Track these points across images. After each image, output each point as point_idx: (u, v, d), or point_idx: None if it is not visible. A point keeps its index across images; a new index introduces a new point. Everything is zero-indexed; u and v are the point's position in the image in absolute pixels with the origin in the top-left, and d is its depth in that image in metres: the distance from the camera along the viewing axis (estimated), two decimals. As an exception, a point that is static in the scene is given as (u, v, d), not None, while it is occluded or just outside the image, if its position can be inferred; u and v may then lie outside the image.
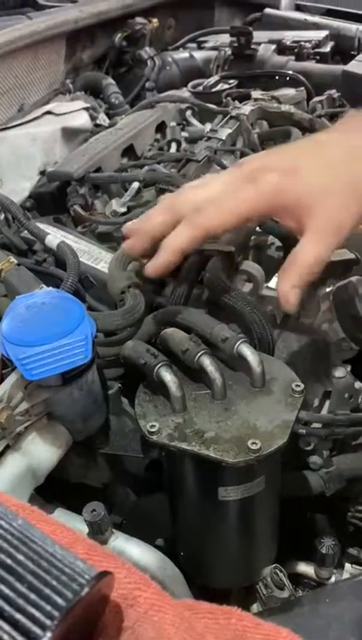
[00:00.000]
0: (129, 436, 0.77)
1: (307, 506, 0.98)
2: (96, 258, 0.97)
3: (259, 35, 1.78)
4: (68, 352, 0.63)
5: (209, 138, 1.14)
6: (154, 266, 0.72)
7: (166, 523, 0.80)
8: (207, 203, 0.69)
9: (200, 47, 1.76)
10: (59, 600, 0.33)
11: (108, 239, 1.02)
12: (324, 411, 0.92)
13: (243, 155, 1.14)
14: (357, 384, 0.95)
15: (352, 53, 1.81)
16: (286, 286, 0.68)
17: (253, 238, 1.05)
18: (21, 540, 0.36)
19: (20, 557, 0.35)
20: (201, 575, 0.79)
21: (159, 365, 0.68)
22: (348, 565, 0.94)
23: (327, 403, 0.94)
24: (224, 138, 1.14)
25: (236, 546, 0.76)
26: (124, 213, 1.05)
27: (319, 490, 0.93)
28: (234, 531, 0.74)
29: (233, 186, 0.69)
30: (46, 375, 0.62)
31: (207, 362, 0.68)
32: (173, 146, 1.15)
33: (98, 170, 1.06)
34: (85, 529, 0.70)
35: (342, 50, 1.85)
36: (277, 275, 1.00)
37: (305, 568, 0.88)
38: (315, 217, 0.66)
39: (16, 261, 0.83)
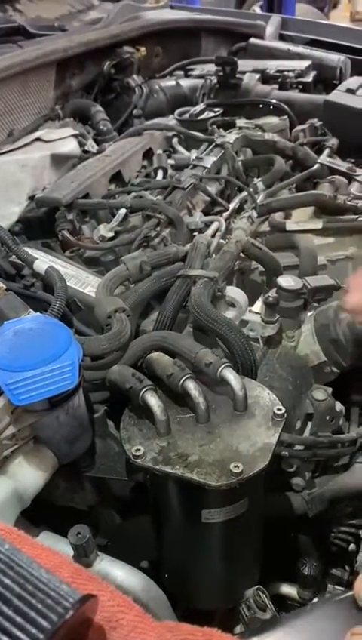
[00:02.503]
0: (114, 459, 0.79)
1: (290, 526, 0.99)
2: (83, 282, 0.98)
3: (244, 64, 1.84)
4: (55, 378, 0.65)
5: (194, 166, 1.18)
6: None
7: (150, 545, 0.81)
8: None
9: (186, 75, 1.81)
10: (44, 623, 0.34)
11: (96, 263, 1.04)
12: (307, 433, 0.94)
13: (227, 183, 1.18)
14: (338, 406, 0.97)
15: (334, 82, 1.87)
16: None
17: (237, 262, 1.08)
18: (7, 564, 0.38)
19: (7, 581, 0.36)
20: (185, 596, 0.80)
21: (144, 390, 0.70)
22: (330, 586, 0.96)
23: (309, 425, 0.96)
24: (209, 166, 1.18)
25: (219, 567, 0.77)
26: (111, 238, 1.08)
27: (302, 511, 0.95)
28: (217, 553, 0.75)
29: None
30: (33, 400, 0.63)
31: (191, 387, 0.70)
32: (160, 173, 1.18)
33: (86, 196, 1.09)
34: (71, 551, 0.71)
35: (325, 79, 1.91)
36: (260, 298, 1.03)
37: (288, 590, 0.89)
38: None
39: (4, 286, 0.84)
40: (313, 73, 1.82)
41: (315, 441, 0.91)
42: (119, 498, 0.83)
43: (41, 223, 1.11)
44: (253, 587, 0.78)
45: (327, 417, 0.93)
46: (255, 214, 1.11)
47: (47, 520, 0.79)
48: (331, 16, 9.39)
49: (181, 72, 1.85)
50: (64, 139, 1.23)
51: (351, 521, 1.05)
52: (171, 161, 1.22)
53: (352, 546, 1.08)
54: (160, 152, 1.25)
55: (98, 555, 0.72)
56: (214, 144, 1.25)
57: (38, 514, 0.77)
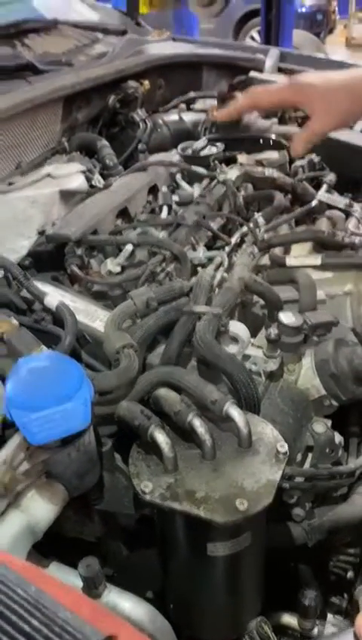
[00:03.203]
0: (121, 492, 0.81)
1: (291, 556, 1.02)
2: (91, 316, 1.02)
3: (244, 98, 1.90)
4: (69, 417, 0.68)
5: (198, 203, 1.22)
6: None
7: (156, 576, 0.83)
8: None
9: (189, 109, 1.86)
10: (72, 663, 0.37)
11: (103, 297, 1.08)
12: (307, 465, 0.97)
13: (229, 220, 1.22)
14: (337, 438, 1.01)
15: (332, 115, 1.93)
16: None
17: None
18: (35, 606, 0.41)
19: (35, 623, 0.39)
20: (190, 627, 0.82)
21: (153, 427, 0.73)
22: (330, 616, 0.98)
23: (310, 457, 0.99)
24: (212, 203, 1.22)
25: (223, 598, 0.80)
26: (118, 273, 1.12)
27: (302, 541, 0.98)
28: (221, 585, 0.78)
29: None
30: (49, 440, 0.66)
31: (198, 425, 0.73)
32: (165, 209, 1.22)
33: (94, 232, 1.13)
34: (80, 583, 0.73)
35: (323, 112, 1.97)
36: (262, 331, 1.07)
37: (289, 619, 0.92)
38: None
39: (17, 323, 0.88)
40: (311, 107, 1.88)
41: (315, 473, 0.94)
42: (126, 530, 0.85)
43: (51, 257, 1.15)
44: (256, 618, 0.80)
45: (327, 450, 0.97)
46: (256, 250, 1.15)
47: (55, 550, 0.82)
48: (327, 41, 9.61)
49: (183, 105, 1.90)
50: (72, 175, 1.27)
51: (349, 550, 1.08)
52: (175, 198, 1.26)
53: (350, 574, 1.10)
54: (165, 189, 1.29)
55: (106, 587, 0.75)
56: (216, 181, 1.30)
57: (47, 544, 0.79)
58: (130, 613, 0.73)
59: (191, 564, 0.76)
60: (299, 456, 0.96)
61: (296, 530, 0.97)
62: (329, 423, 0.99)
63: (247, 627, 0.80)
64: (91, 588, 0.73)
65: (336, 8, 9.54)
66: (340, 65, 2.44)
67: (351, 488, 1.01)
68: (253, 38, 8.58)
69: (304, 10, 8.78)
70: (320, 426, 0.96)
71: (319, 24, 9.08)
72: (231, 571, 0.76)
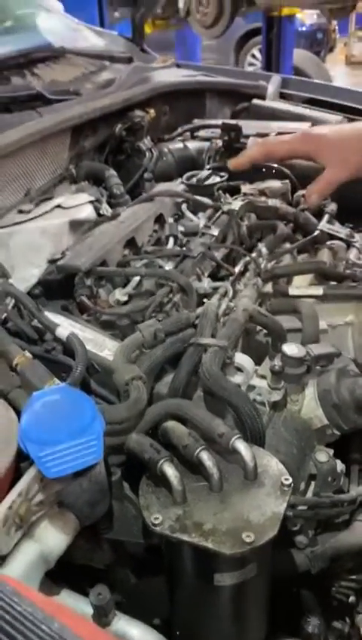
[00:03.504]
0: (130, 521, 0.84)
1: (294, 582, 1.04)
2: (100, 346, 1.05)
3: (247, 125, 1.94)
4: (82, 451, 0.71)
5: (203, 234, 1.26)
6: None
7: (163, 604, 0.85)
8: None
9: (193, 137, 1.91)
10: None
11: (112, 327, 1.11)
12: (310, 493, 1.00)
13: (232, 251, 1.26)
14: (339, 466, 1.03)
15: (332, 142, 1.98)
16: None
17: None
18: (59, 643, 0.43)
19: (60, 660, 0.42)
20: (196, 654, 0.84)
21: (162, 461, 0.76)
22: (332, 641, 1.00)
23: (313, 484, 1.02)
24: (216, 234, 1.26)
25: (229, 627, 0.82)
26: (125, 302, 1.15)
27: (305, 567, 1.00)
28: (228, 613, 0.81)
29: None
30: (63, 474, 0.69)
31: (206, 458, 0.76)
32: (171, 240, 1.26)
33: (103, 262, 1.17)
34: (90, 610, 0.76)
35: (324, 139, 2.02)
36: (266, 360, 1.10)
37: (293, 646, 0.94)
38: None
39: (30, 355, 0.91)
40: (312, 135, 1.93)
41: (318, 502, 0.96)
42: (134, 558, 0.88)
43: (60, 286, 1.18)
44: (261, 647, 0.83)
45: (329, 478, 0.99)
46: (260, 282, 1.19)
47: (65, 576, 0.84)
48: (327, 59, 9.76)
49: (188, 133, 1.95)
50: (81, 205, 1.31)
51: (352, 576, 1.10)
52: (181, 228, 1.30)
53: (352, 598, 1.12)
54: (171, 220, 1.33)
55: (116, 615, 0.77)
56: (221, 211, 1.34)
57: (57, 571, 0.82)
58: (139, 641, 0.76)
59: (198, 593, 0.79)
60: (302, 485, 0.99)
61: (299, 558, 0.99)
62: (331, 452, 1.01)
63: (252, 655, 0.82)
64: (102, 616, 0.75)
65: (336, 27, 9.68)
66: (341, 91, 2.51)
67: (352, 515, 1.04)
68: (254, 56, 8.72)
69: (304, 29, 8.92)
70: (323, 455, 0.99)
71: (319, 43, 9.22)
72: (236, 600, 0.79)
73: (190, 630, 0.84)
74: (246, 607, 0.81)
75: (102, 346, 1.05)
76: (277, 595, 0.98)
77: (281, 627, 0.99)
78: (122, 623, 0.77)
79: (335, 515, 1.00)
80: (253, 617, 0.83)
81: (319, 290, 1.17)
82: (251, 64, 8.83)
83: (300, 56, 7.13)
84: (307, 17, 8.71)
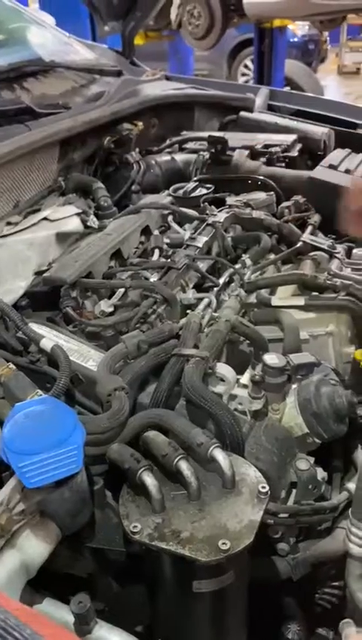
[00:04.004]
0: (112, 530, 0.85)
1: (277, 589, 1.05)
2: (85, 357, 1.07)
3: (234, 137, 1.98)
4: (62, 462, 0.72)
5: (188, 246, 1.28)
6: None
7: (145, 611, 0.87)
8: None
9: (181, 149, 1.94)
10: None
11: (97, 338, 1.13)
12: (291, 501, 1.01)
13: (216, 263, 1.29)
14: (321, 474, 1.05)
15: (319, 153, 2.01)
16: None
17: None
18: (30, 649, 0.45)
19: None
20: (177, 661, 0.85)
21: (141, 470, 0.77)
22: (315, 647, 1.01)
23: (294, 492, 1.03)
24: (201, 245, 1.28)
25: (209, 632, 0.83)
26: (111, 313, 1.17)
27: (287, 574, 1.02)
28: (207, 619, 0.82)
29: None
30: (43, 484, 0.71)
31: (184, 467, 0.78)
32: (156, 252, 1.28)
33: (89, 274, 1.19)
34: (71, 618, 0.77)
35: (310, 150, 2.05)
36: (248, 370, 1.12)
37: (274, 652, 0.95)
38: None
39: (14, 367, 0.92)
40: (299, 146, 1.96)
41: (298, 510, 0.98)
42: (116, 566, 0.89)
43: (46, 297, 1.20)
44: (240, 653, 0.84)
45: (310, 486, 1.01)
46: (243, 293, 1.21)
47: (47, 584, 0.86)
48: (319, 69, 9.86)
49: (176, 145, 1.98)
50: (68, 217, 1.33)
51: (334, 583, 1.11)
52: (166, 240, 1.32)
53: (339, 605, 1.13)
54: (156, 232, 1.35)
55: (97, 623, 0.78)
56: (206, 223, 1.36)
57: (39, 579, 0.83)
58: (120, 649, 0.77)
59: (177, 600, 0.80)
60: (283, 493, 1.00)
61: (280, 564, 1.01)
62: (312, 460, 1.03)
63: (231, 661, 0.83)
64: (82, 624, 0.76)
65: (328, 38, 9.79)
66: (327, 102, 2.55)
67: (334, 522, 1.05)
68: (246, 67, 8.80)
69: (296, 40, 9.01)
70: (304, 463, 1.01)
71: (311, 53, 9.31)
72: (215, 607, 0.80)
73: (171, 637, 0.85)
74: (226, 613, 0.83)
75: (87, 357, 1.07)
76: (260, 601, 0.99)
77: (263, 633, 1.00)
78: (103, 631, 0.78)
79: (316, 523, 1.02)
80: (232, 623, 0.85)
81: (301, 301, 1.19)
82: (244, 74, 8.92)
83: (292, 66, 7.20)
84: (298, 28, 8.80)
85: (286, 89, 6.49)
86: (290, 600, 1.06)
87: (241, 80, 8.90)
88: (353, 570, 0.94)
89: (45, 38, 2.42)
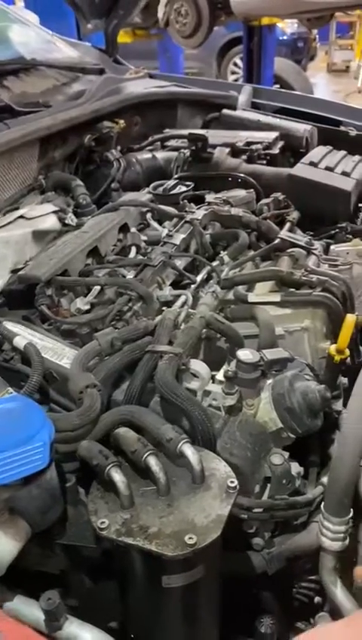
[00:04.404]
0: (84, 527, 0.85)
1: (252, 583, 1.06)
2: (59, 355, 1.07)
3: (216, 134, 1.98)
4: (28, 459, 0.72)
5: (165, 243, 1.29)
6: None
7: (118, 607, 0.87)
8: None
9: (163, 146, 1.94)
10: None
11: (72, 335, 1.13)
12: (266, 496, 1.02)
13: (194, 260, 1.29)
14: (297, 468, 1.05)
15: (301, 151, 2.02)
16: None
17: (204, 330, 1.17)
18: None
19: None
20: (150, 656, 0.86)
21: (110, 467, 0.77)
22: None
23: (269, 487, 1.04)
24: (178, 243, 1.28)
25: (180, 627, 0.84)
26: (87, 311, 1.17)
27: (262, 569, 1.02)
28: (178, 614, 0.82)
29: None
30: (9, 480, 0.71)
31: (153, 463, 0.78)
32: (133, 250, 1.28)
33: (65, 272, 1.19)
34: (42, 615, 0.77)
35: (292, 147, 2.06)
36: (225, 365, 1.12)
37: (248, 646, 0.95)
38: None
39: (-14, 365, 0.92)
40: (280, 144, 1.97)
41: (272, 504, 0.98)
42: (89, 562, 0.89)
43: (23, 296, 1.20)
44: (210, 647, 0.84)
45: (284, 481, 1.01)
46: (219, 289, 1.21)
47: (21, 582, 0.85)
48: (309, 67, 9.88)
49: (158, 142, 1.98)
50: (45, 215, 1.33)
51: (311, 577, 1.12)
52: (144, 237, 1.32)
53: (318, 599, 1.14)
54: (134, 230, 1.35)
55: (67, 619, 0.78)
56: (184, 220, 1.36)
57: (12, 577, 0.83)
58: (90, 644, 0.77)
59: (148, 596, 0.80)
60: (257, 488, 1.01)
61: (255, 559, 1.01)
62: (286, 454, 1.03)
63: (202, 655, 0.83)
64: (52, 620, 0.76)
65: (317, 36, 9.81)
66: (310, 100, 2.56)
67: (310, 516, 1.06)
68: (236, 65, 8.81)
69: (285, 38, 9.03)
70: (278, 458, 1.01)
71: (300, 51, 9.33)
72: (186, 602, 0.80)
73: (144, 632, 0.85)
74: (197, 608, 0.83)
75: (62, 355, 1.07)
76: (236, 596, 1.00)
77: (239, 627, 1.01)
78: (73, 627, 0.78)
79: (292, 517, 1.02)
80: (204, 618, 0.85)
81: (276, 297, 1.20)
82: (233, 72, 8.92)
83: (281, 64, 7.22)
84: (287, 26, 8.82)
85: (276, 87, 6.52)
86: (267, 594, 1.07)
87: (231, 78, 8.91)
88: (326, 563, 0.94)
89: (28, 36, 2.42)
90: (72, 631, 0.78)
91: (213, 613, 0.86)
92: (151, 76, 2.50)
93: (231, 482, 0.79)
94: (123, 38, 5.81)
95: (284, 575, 1.07)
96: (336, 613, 0.94)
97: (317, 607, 1.14)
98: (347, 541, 0.91)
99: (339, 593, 0.92)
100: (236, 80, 8.21)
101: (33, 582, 0.87)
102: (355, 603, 0.90)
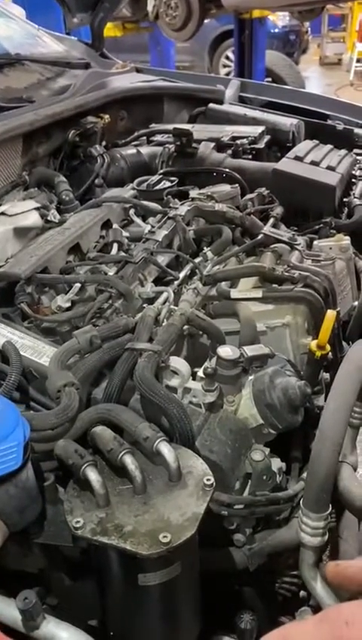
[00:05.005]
0: (62, 526, 0.85)
1: (234, 579, 1.06)
2: (39, 353, 1.06)
3: (201, 129, 1.97)
4: (2, 458, 0.72)
5: (147, 239, 1.28)
6: None
7: (98, 605, 0.87)
8: None
9: (149, 142, 1.93)
10: None
11: (53, 333, 1.12)
12: (247, 492, 1.02)
13: (178, 257, 1.28)
14: (278, 463, 1.06)
15: (288, 145, 2.02)
16: None
17: (186, 327, 1.17)
18: None
19: None
20: (130, 654, 0.86)
21: (85, 466, 0.77)
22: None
23: (249, 483, 1.04)
24: (160, 239, 1.28)
25: (159, 625, 0.84)
26: (68, 308, 1.16)
27: (243, 565, 1.02)
28: (156, 612, 0.82)
29: None
30: (-19, 481, 0.70)
31: (129, 461, 0.78)
32: (115, 246, 1.27)
33: (45, 270, 1.18)
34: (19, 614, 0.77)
35: (279, 141, 2.05)
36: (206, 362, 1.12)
37: (229, 642, 0.96)
38: None
39: None
40: (266, 138, 1.96)
41: (253, 500, 0.98)
42: (68, 561, 0.89)
43: (3, 293, 1.19)
44: (189, 643, 0.84)
45: (264, 477, 1.01)
46: (200, 286, 1.21)
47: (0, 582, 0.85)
48: (301, 60, 9.85)
49: (144, 137, 1.97)
50: (26, 212, 1.32)
51: (293, 572, 1.12)
52: (126, 234, 1.31)
53: (303, 593, 1.15)
54: (116, 226, 1.34)
55: (45, 618, 0.78)
56: (167, 217, 1.36)
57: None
58: (67, 643, 0.77)
59: (125, 594, 0.80)
60: (237, 484, 1.01)
61: (237, 555, 1.01)
62: (267, 450, 1.03)
63: (180, 652, 0.84)
64: (29, 620, 0.76)
65: (309, 29, 9.78)
66: (298, 94, 2.55)
67: (292, 512, 1.06)
68: (228, 58, 8.78)
69: (277, 30, 9.00)
70: (258, 455, 1.01)
71: (292, 44, 9.31)
72: (164, 599, 0.80)
73: (123, 630, 0.85)
74: (175, 605, 0.83)
75: (42, 353, 1.06)
76: (218, 592, 1.00)
77: (221, 623, 1.01)
78: (51, 626, 0.78)
79: (273, 513, 1.02)
80: (183, 615, 0.85)
81: (258, 293, 1.20)
82: (225, 66, 8.89)
83: (273, 57, 7.19)
84: (279, 19, 8.79)
85: (267, 80, 6.50)
86: (249, 590, 1.07)
87: (223, 71, 8.87)
88: (306, 558, 0.94)
89: (13, 30, 2.40)
90: (49, 630, 0.78)
91: (193, 610, 0.87)
92: (138, 70, 2.48)
93: (208, 480, 0.79)
94: (113, 31, 5.78)
95: (266, 570, 1.07)
96: (319, 608, 0.95)
97: (302, 602, 1.15)
98: (326, 537, 0.92)
99: (319, 588, 0.92)
100: (228, 73, 8.19)
101: (13, 581, 0.87)
102: (335, 598, 0.90)
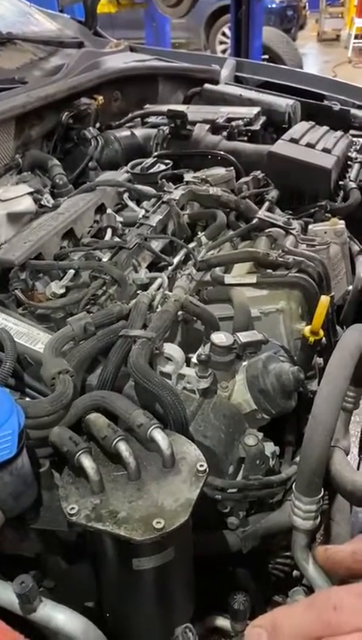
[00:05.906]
0: (58, 511, 0.86)
1: (228, 561, 1.08)
2: (34, 339, 1.06)
3: (196, 110, 1.95)
4: (-4, 447, 0.73)
5: (141, 224, 1.27)
6: None
7: (94, 588, 0.88)
8: None
9: (143, 123, 1.91)
10: None
11: (47, 320, 1.12)
12: (240, 476, 1.03)
13: (172, 242, 1.27)
14: (271, 448, 1.07)
15: (284, 126, 1.99)
16: None
17: (181, 313, 1.17)
18: None
19: None
20: (125, 635, 0.88)
21: (79, 453, 0.78)
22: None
23: (243, 468, 1.05)
24: (154, 224, 1.27)
25: (153, 608, 0.85)
26: (62, 295, 1.16)
27: (237, 547, 1.04)
28: (150, 596, 0.84)
29: None
30: (-24, 469, 0.71)
31: (123, 448, 0.79)
32: (109, 232, 1.26)
33: (39, 256, 1.17)
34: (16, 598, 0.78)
35: (275, 122, 2.03)
36: (200, 348, 1.12)
37: (222, 622, 0.98)
38: None
39: None
40: (262, 119, 1.94)
41: (246, 484, 1.00)
42: (65, 545, 0.90)
43: (-3, 280, 1.19)
44: (182, 625, 0.86)
45: (258, 461, 1.02)
46: (194, 271, 1.20)
47: None
48: (299, 36, 9.69)
49: (138, 119, 1.94)
50: (20, 197, 1.31)
51: (286, 553, 1.14)
52: (120, 219, 1.31)
53: (296, 572, 1.17)
54: (109, 211, 1.33)
55: (42, 601, 0.80)
56: (161, 201, 1.35)
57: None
58: (64, 626, 0.78)
59: (120, 578, 0.82)
60: (231, 469, 1.02)
61: (230, 538, 1.03)
62: (260, 435, 1.04)
63: (174, 633, 0.85)
64: (26, 603, 0.78)
65: (307, 4, 9.61)
66: (294, 73, 2.51)
67: (285, 495, 1.07)
68: (224, 34, 8.63)
69: (274, 6, 8.85)
70: (251, 439, 1.02)
71: (290, 20, 9.15)
72: (158, 583, 0.82)
73: (118, 612, 0.87)
74: (169, 588, 0.84)
75: (36, 340, 1.07)
76: (212, 574, 1.02)
77: (215, 604, 1.03)
78: (47, 609, 0.79)
79: (266, 496, 1.04)
80: (177, 598, 0.87)
81: (253, 279, 1.20)
82: (222, 42, 8.75)
83: (270, 34, 7.07)
84: (276, -6, 8.63)
85: (264, 58, 6.39)
86: (243, 571, 1.09)
87: (220, 48, 8.73)
88: (298, 541, 0.96)
89: (4, 8, 2.35)
90: (46, 613, 0.79)
91: (187, 592, 0.88)
92: (132, 49, 2.44)
93: (201, 466, 0.80)
94: (107, 7, 5.65)
95: (260, 552, 1.09)
96: (312, 589, 0.97)
97: (295, 581, 1.17)
98: (318, 520, 0.93)
99: (311, 570, 0.94)
100: (224, 50, 8.06)
101: (10, 565, 0.89)
102: (327, 579, 0.92)
